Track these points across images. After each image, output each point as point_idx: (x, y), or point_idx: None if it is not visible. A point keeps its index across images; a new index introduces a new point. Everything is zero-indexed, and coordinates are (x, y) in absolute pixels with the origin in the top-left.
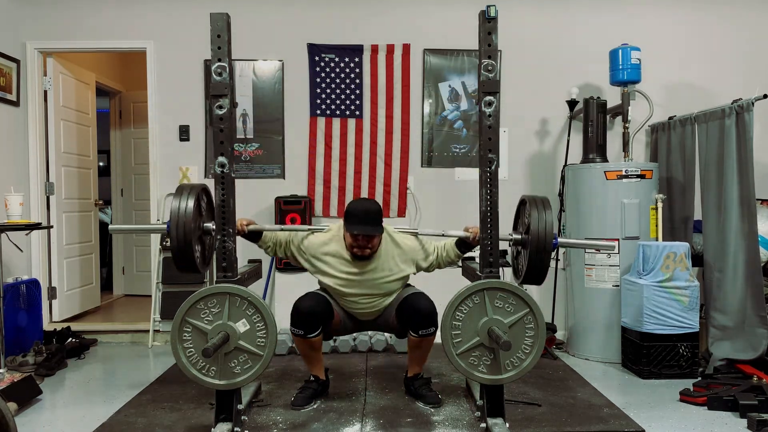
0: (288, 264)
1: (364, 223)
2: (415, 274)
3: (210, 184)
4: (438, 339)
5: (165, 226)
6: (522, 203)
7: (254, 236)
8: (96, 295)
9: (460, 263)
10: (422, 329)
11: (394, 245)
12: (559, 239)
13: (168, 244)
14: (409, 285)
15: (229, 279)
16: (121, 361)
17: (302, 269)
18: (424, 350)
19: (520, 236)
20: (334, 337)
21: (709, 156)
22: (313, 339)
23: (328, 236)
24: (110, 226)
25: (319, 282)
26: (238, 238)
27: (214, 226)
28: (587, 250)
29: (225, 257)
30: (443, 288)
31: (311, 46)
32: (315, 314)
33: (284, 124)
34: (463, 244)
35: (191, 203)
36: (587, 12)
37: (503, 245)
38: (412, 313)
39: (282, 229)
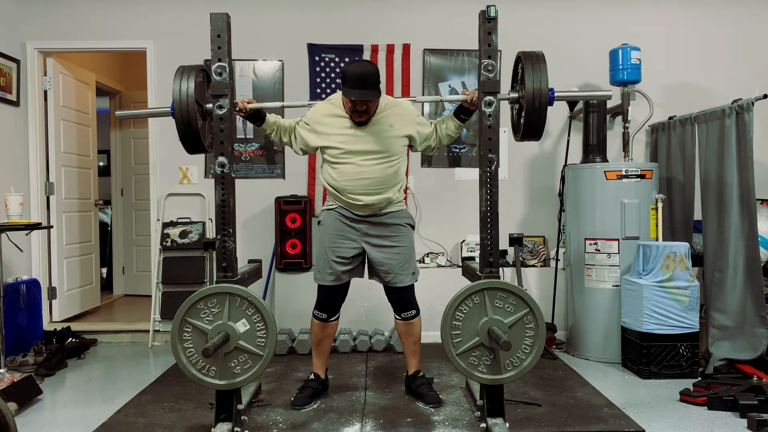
0: (288, 264)
1: (362, 87)
2: (415, 145)
3: (210, 183)
4: (438, 339)
5: (169, 108)
6: (518, 60)
7: (256, 117)
8: (96, 295)
9: (458, 263)
10: (403, 311)
11: (393, 103)
12: (555, 93)
13: (168, 243)
14: (408, 226)
15: (229, 279)
16: (121, 361)
17: (302, 269)
18: (414, 338)
19: (516, 94)
20: (335, 337)
21: (709, 156)
22: (332, 322)
23: (327, 104)
24: (117, 112)
25: (322, 152)
26: (239, 242)
27: (213, 105)
28: (587, 250)
29: (225, 257)
30: (444, 288)
31: (311, 46)
32: (339, 298)
33: None
34: (462, 111)
35: (192, 83)
36: (587, 12)
37: (503, 244)
38: (394, 295)
39: (283, 106)
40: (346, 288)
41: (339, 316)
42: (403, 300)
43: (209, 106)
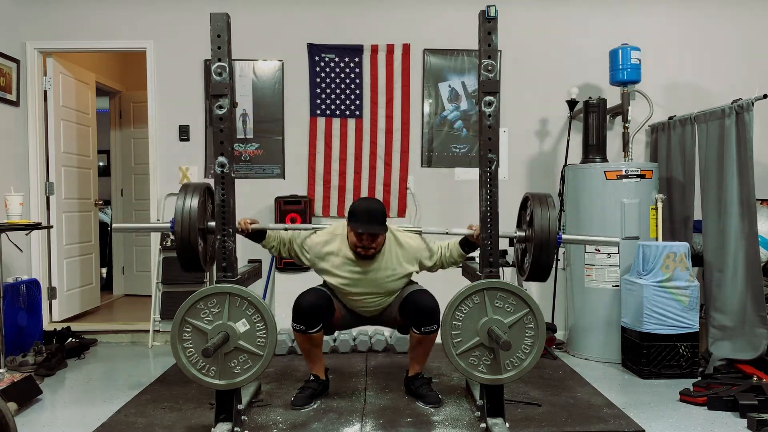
0: (288, 264)
1: (369, 223)
2: (417, 272)
3: (210, 183)
4: (438, 339)
5: (169, 224)
6: (525, 200)
7: (257, 236)
8: (96, 295)
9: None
10: (424, 326)
11: (397, 244)
12: (563, 236)
13: (168, 243)
14: (412, 282)
15: (229, 279)
16: (121, 361)
17: (302, 269)
18: (425, 348)
19: (524, 233)
20: (334, 337)
21: (709, 156)
22: (314, 335)
23: (330, 235)
24: (114, 225)
25: (324, 279)
26: (240, 237)
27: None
28: (587, 250)
29: (225, 257)
30: (444, 288)
31: (311, 46)
32: (316, 309)
33: (284, 124)
34: (467, 244)
35: (195, 202)
36: (587, 12)
37: (503, 245)
38: (415, 310)
39: (285, 229)
40: (329, 307)
41: (322, 327)
42: (428, 313)
43: (211, 224)
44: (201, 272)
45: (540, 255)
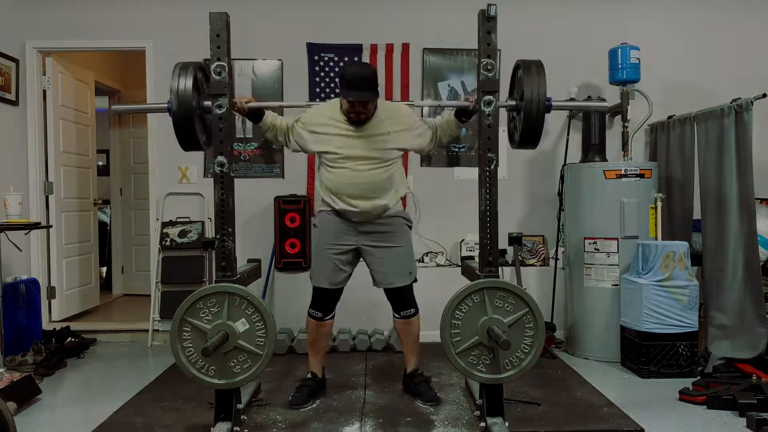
0: (288, 264)
1: (360, 89)
2: (416, 151)
3: (209, 183)
4: (438, 338)
5: (166, 104)
6: (516, 68)
7: (254, 116)
8: (95, 294)
9: (457, 262)
10: (402, 310)
11: (390, 110)
12: (554, 102)
13: (167, 243)
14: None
15: (229, 278)
16: (121, 360)
17: (301, 269)
18: (413, 335)
19: (514, 102)
20: (334, 336)
21: (709, 155)
22: (327, 322)
23: (325, 106)
24: (113, 107)
25: (319, 156)
26: (238, 241)
27: (212, 103)
28: (586, 249)
29: (224, 257)
30: (444, 288)
31: (310, 45)
32: (333, 292)
33: None
34: (463, 113)
35: (189, 82)
36: (587, 11)
37: (503, 243)
38: (392, 295)
39: (281, 106)
40: (341, 288)
41: (334, 315)
42: (401, 299)
43: (207, 103)
44: (200, 149)
45: (530, 122)
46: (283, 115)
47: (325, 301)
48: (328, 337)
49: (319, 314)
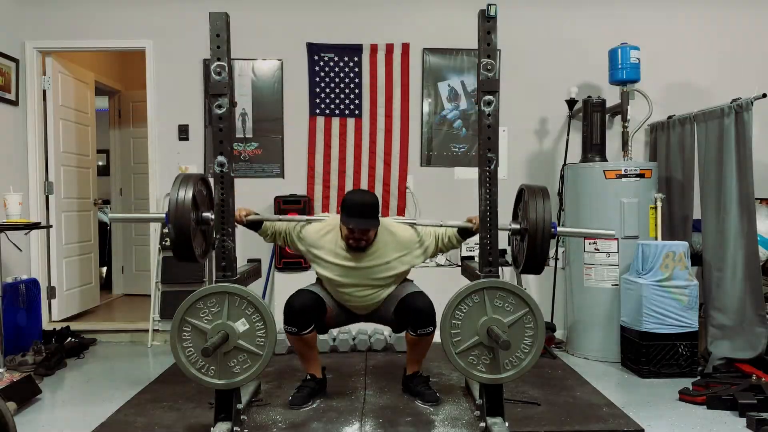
0: (287, 264)
1: (360, 216)
2: (414, 266)
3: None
4: (437, 338)
5: (163, 215)
6: (521, 192)
7: (254, 226)
8: (95, 294)
9: (458, 262)
10: (420, 329)
11: (390, 235)
12: (558, 228)
13: (167, 243)
14: (407, 280)
15: (229, 278)
16: (121, 360)
17: (302, 269)
18: (422, 348)
19: (519, 226)
20: (333, 336)
21: (708, 155)
22: (306, 336)
23: (325, 226)
24: (110, 215)
25: (317, 274)
26: (239, 237)
27: (212, 216)
28: (586, 249)
29: (224, 256)
30: (443, 287)
31: (310, 45)
32: (306, 310)
33: (283, 124)
34: (465, 232)
35: (189, 194)
36: (587, 11)
37: (503, 243)
38: (411, 312)
39: (280, 219)
40: (320, 307)
41: (314, 330)
42: (423, 316)
43: (206, 215)
44: (195, 262)
45: (535, 247)
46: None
47: (294, 319)
48: (315, 346)
49: (294, 329)
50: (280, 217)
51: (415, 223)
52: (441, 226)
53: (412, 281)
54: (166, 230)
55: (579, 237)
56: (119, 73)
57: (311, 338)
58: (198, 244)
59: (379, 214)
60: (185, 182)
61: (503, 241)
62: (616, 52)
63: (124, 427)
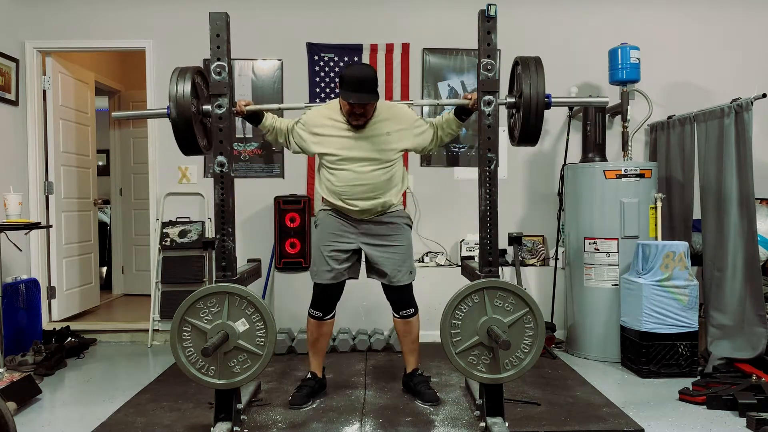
0: (288, 264)
1: (360, 91)
2: (417, 150)
3: (209, 183)
4: (437, 338)
5: (165, 109)
6: (515, 65)
7: (254, 119)
8: (95, 294)
9: (457, 262)
10: (402, 310)
11: (389, 110)
12: (553, 98)
13: (167, 243)
14: (405, 228)
15: (229, 278)
16: (121, 360)
17: (301, 268)
18: (412, 335)
19: (513, 99)
20: (334, 336)
21: (708, 155)
22: (327, 321)
23: (325, 108)
24: (114, 113)
25: (319, 157)
26: (238, 241)
27: (212, 108)
28: (586, 249)
29: (224, 256)
30: (443, 287)
31: (310, 45)
32: (334, 290)
33: None
34: (463, 111)
35: (188, 86)
36: (587, 11)
37: (503, 243)
38: (392, 294)
39: (279, 108)
40: (341, 287)
41: (335, 315)
42: (401, 299)
43: (206, 107)
44: (200, 153)
45: (529, 118)
46: (282, 117)
47: (325, 298)
48: (329, 337)
49: (319, 314)
50: (280, 105)
51: (412, 103)
52: (438, 104)
53: (410, 244)
54: (166, 230)
55: (574, 105)
56: (119, 73)
57: (329, 326)
58: (200, 136)
59: (378, 88)
60: (183, 75)
61: (503, 242)
62: (616, 52)
63: (124, 427)
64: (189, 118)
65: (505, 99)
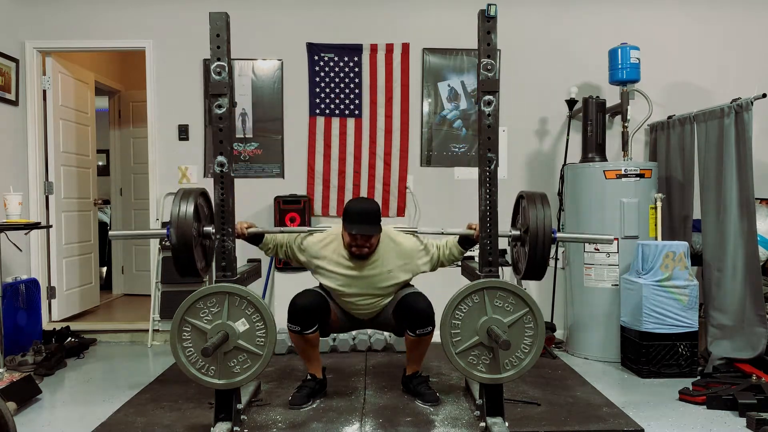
0: (287, 264)
1: (363, 223)
2: (416, 275)
3: (209, 183)
4: (437, 338)
5: (165, 231)
6: (520, 198)
7: (255, 239)
8: (95, 294)
9: (459, 263)
10: (419, 329)
11: (393, 243)
12: (558, 234)
13: (167, 243)
14: (408, 284)
15: (229, 278)
16: (121, 360)
17: (302, 269)
18: (422, 349)
19: (518, 232)
20: (334, 336)
21: (708, 155)
22: (309, 335)
23: (327, 236)
24: (110, 233)
25: (319, 281)
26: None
27: (214, 230)
28: (586, 249)
29: (224, 257)
30: (443, 287)
31: (310, 45)
32: (311, 310)
33: (283, 124)
34: (466, 241)
35: (190, 208)
36: (587, 11)
37: (503, 244)
38: (409, 313)
39: (282, 231)
40: (326, 311)
41: (318, 331)
42: (422, 316)
43: (207, 229)
44: (197, 277)
45: (535, 253)
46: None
47: (302, 317)
48: (318, 344)
49: (297, 328)
50: (282, 228)
51: (416, 232)
52: (442, 234)
53: (412, 285)
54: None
55: (579, 242)
56: (119, 73)
57: (314, 338)
58: (199, 258)
59: (381, 222)
60: (186, 197)
61: (503, 242)
62: (616, 52)
63: (124, 427)
64: (189, 241)
65: (510, 232)
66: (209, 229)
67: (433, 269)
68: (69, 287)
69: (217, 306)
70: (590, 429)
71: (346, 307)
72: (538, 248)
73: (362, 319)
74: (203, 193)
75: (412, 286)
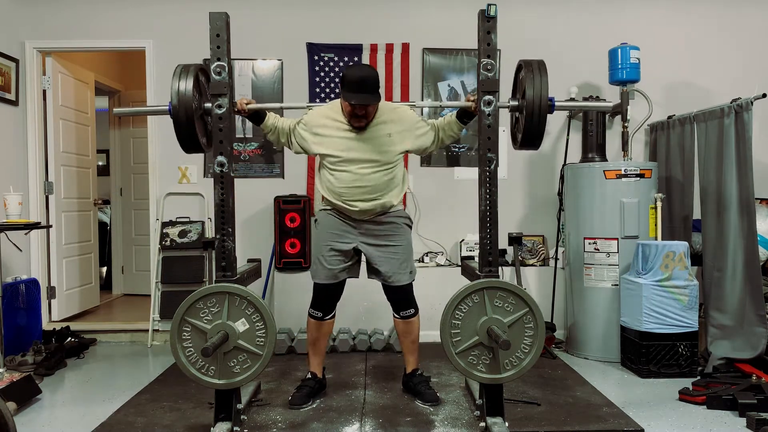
0: (288, 264)
1: (361, 91)
2: (418, 152)
3: (209, 183)
4: (438, 338)
5: (167, 106)
6: (518, 68)
7: (255, 117)
8: (95, 294)
9: (457, 262)
10: (402, 310)
11: (391, 111)
12: (556, 102)
13: (167, 243)
14: (406, 227)
15: (229, 278)
16: (121, 360)
17: (301, 268)
18: (412, 336)
19: (517, 102)
20: (334, 336)
21: (708, 155)
22: (327, 321)
23: (327, 108)
24: (115, 110)
25: (320, 157)
26: (238, 241)
27: (212, 106)
28: (586, 249)
29: (224, 257)
30: (443, 287)
31: (310, 45)
32: (333, 290)
33: None
34: (465, 114)
35: (190, 83)
36: (587, 11)
37: (503, 244)
38: (392, 295)
39: (281, 108)
40: (341, 287)
41: (335, 315)
42: (402, 299)
43: (207, 105)
44: (201, 151)
45: (532, 119)
46: (283, 116)
47: (324, 298)
48: (329, 337)
49: (319, 314)
50: (281, 105)
51: (414, 105)
52: (440, 105)
53: (410, 244)
54: (166, 230)
55: (576, 109)
56: (119, 73)
57: (328, 326)
58: (201, 133)
59: (380, 89)
60: (185, 71)
61: (503, 242)
62: (616, 52)
63: (124, 427)
64: (191, 114)
65: (509, 102)
66: (209, 104)
67: (434, 143)
68: (69, 287)
69: (217, 306)
70: (590, 429)
71: (345, 196)
72: (535, 114)
73: (358, 228)
74: (202, 69)
75: (409, 245)
